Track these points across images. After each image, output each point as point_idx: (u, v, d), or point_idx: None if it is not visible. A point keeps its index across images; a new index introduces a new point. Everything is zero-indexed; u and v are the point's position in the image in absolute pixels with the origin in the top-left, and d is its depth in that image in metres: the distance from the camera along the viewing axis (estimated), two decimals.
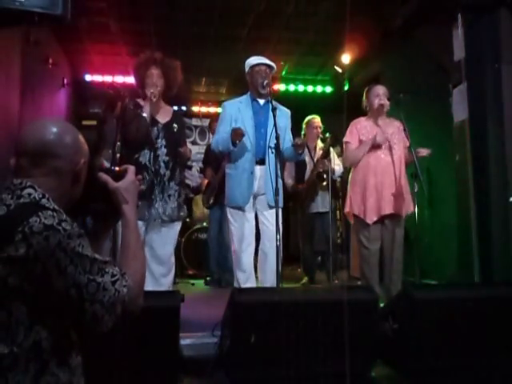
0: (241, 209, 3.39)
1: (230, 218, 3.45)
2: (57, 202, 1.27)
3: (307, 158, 5.00)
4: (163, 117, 3.26)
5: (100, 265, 1.23)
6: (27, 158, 1.29)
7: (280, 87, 6.98)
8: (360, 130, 3.74)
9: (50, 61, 4.78)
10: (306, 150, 5.01)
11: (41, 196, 1.24)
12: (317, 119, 5.01)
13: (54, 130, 1.33)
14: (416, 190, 3.59)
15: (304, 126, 5.05)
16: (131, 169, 1.47)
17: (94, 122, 5.85)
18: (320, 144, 5.01)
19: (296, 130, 3.72)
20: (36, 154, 1.29)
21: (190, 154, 3.31)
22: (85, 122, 6.08)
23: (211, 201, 5.16)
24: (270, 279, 3.32)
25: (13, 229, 1.14)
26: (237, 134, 3.22)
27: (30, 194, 1.23)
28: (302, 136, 5.07)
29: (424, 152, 3.60)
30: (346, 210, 3.84)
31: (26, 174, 1.28)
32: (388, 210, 3.60)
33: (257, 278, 3.52)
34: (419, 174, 3.52)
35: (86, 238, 1.23)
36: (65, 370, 1.24)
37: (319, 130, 4.94)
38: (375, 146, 3.65)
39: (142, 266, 1.36)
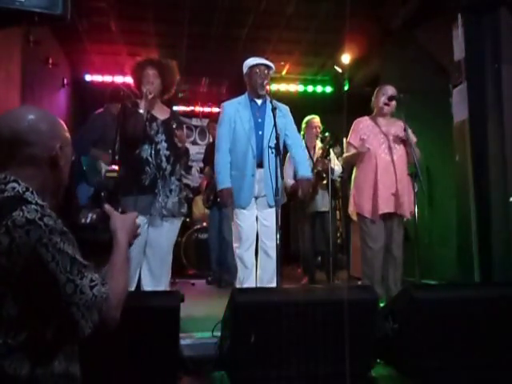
0: (244, 208, 3.41)
1: (235, 218, 3.48)
2: (40, 192, 1.28)
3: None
4: (161, 114, 3.28)
5: (80, 267, 1.23)
6: (2, 148, 1.30)
7: (280, 87, 6.98)
8: (362, 129, 3.76)
9: (50, 61, 4.78)
10: (306, 151, 5.02)
11: (24, 189, 1.25)
12: (316, 119, 5.02)
13: (27, 117, 1.33)
14: (416, 190, 3.59)
15: (303, 125, 5.06)
16: (135, 214, 1.54)
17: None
18: (319, 144, 5.01)
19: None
20: (9, 144, 1.29)
21: (185, 139, 3.34)
22: None
23: (210, 201, 5.18)
24: (269, 278, 3.33)
25: None
26: (225, 197, 3.36)
27: (13, 188, 1.24)
28: (301, 136, 5.08)
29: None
30: (350, 209, 3.85)
31: (4, 165, 1.29)
32: (389, 208, 3.61)
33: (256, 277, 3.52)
34: (419, 174, 3.52)
35: (69, 236, 1.23)
36: (60, 361, 1.25)
37: (318, 130, 4.94)
38: (376, 146, 3.66)
39: (125, 282, 1.35)
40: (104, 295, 1.24)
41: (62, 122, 1.42)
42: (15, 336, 1.18)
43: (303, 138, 5.05)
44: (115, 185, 1.47)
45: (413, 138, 3.72)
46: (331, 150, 4.94)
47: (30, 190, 1.26)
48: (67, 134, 1.41)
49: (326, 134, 4.73)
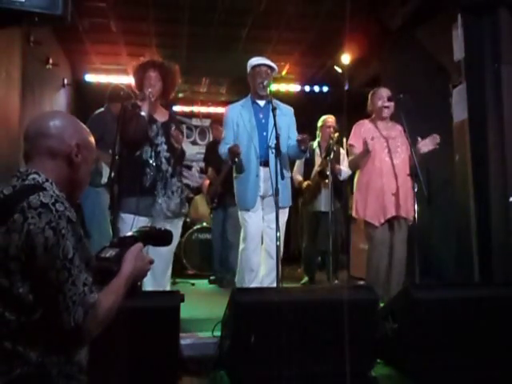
0: (250, 210, 3.41)
1: (241, 219, 3.48)
2: (59, 186, 1.37)
3: (317, 157, 4.98)
4: (161, 116, 3.30)
5: (78, 261, 1.27)
6: (27, 141, 1.42)
7: (280, 87, 6.98)
8: (364, 132, 3.75)
9: (50, 61, 4.78)
10: (317, 150, 5.00)
11: (44, 180, 1.34)
12: (331, 118, 4.97)
13: (49, 115, 1.51)
14: (416, 190, 3.59)
15: (319, 124, 5.01)
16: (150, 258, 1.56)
17: None
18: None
19: (298, 129, 3.72)
20: (32, 137, 1.42)
21: (182, 139, 3.30)
22: None
23: (215, 202, 5.18)
24: (271, 280, 3.33)
25: (15, 205, 1.23)
26: (233, 154, 3.29)
27: (34, 179, 1.34)
28: (317, 136, 5.06)
29: (428, 144, 3.58)
30: (353, 213, 3.85)
31: (28, 157, 1.41)
32: (393, 212, 3.61)
33: None
34: (419, 173, 3.52)
35: (75, 228, 1.28)
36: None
37: (332, 130, 4.87)
38: (379, 150, 3.66)
39: (112, 303, 1.35)
40: (92, 299, 1.27)
41: (87, 129, 1.52)
42: (28, 315, 1.22)
43: (318, 137, 5.05)
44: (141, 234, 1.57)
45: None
46: (342, 151, 4.93)
47: (50, 181, 1.35)
48: (90, 139, 1.51)
49: (336, 134, 4.67)
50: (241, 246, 3.49)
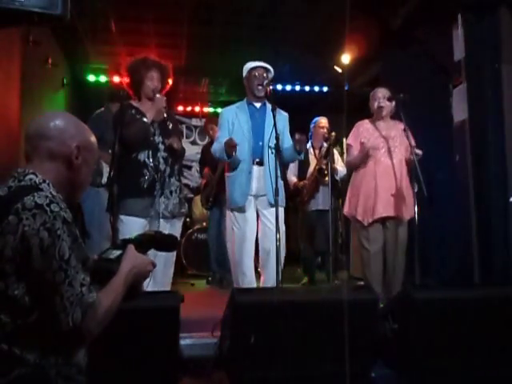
0: (242, 210, 3.39)
1: (233, 219, 3.45)
2: (57, 187, 1.35)
3: (311, 157, 4.99)
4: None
5: (75, 262, 1.26)
6: (28, 143, 1.41)
7: (280, 87, 6.98)
8: (362, 132, 3.77)
9: (50, 61, 4.78)
10: (311, 150, 5.02)
11: (41, 181, 1.33)
12: (323, 120, 5.02)
13: (51, 116, 1.47)
14: (416, 190, 3.58)
15: (312, 125, 5.05)
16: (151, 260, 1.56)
17: None
18: (325, 144, 5.00)
19: (295, 130, 3.72)
20: (33, 137, 1.41)
21: (179, 145, 3.21)
22: None
23: (210, 201, 5.17)
24: (272, 278, 3.32)
25: (10, 206, 1.22)
26: (229, 147, 3.25)
27: (31, 179, 1.33)
28: (309, 136, 5.08)
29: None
30: (345, 211, 3.87)
31: (29, 159, 1.40)
32: (386, 212, 3.60)
33: (258, 277, 3.53)
34: (419, 174, 3.52)
35: (71, 228, 1.27)
36: (65, 349, 1.28)
37: (325, 131, 4.92)
38: (375, 149, 3.66)
39: (112, 302, 1.35)
40: (90, 299, 1.26)
41: (90, 130, 1.50)
42: (24, 317, 1.21)
43: (310, 138, 5.07)
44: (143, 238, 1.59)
45: (411, 141, 3.69)
46: (335, 151, 4.94)
47: (47, 182, 1.34)
48: (92, 140, 1.49)
49: (333, 133, 4.69)
50: (231, 248, 3.46)
